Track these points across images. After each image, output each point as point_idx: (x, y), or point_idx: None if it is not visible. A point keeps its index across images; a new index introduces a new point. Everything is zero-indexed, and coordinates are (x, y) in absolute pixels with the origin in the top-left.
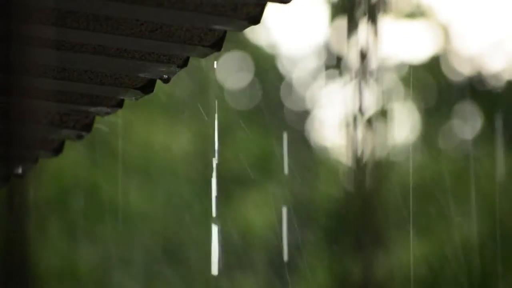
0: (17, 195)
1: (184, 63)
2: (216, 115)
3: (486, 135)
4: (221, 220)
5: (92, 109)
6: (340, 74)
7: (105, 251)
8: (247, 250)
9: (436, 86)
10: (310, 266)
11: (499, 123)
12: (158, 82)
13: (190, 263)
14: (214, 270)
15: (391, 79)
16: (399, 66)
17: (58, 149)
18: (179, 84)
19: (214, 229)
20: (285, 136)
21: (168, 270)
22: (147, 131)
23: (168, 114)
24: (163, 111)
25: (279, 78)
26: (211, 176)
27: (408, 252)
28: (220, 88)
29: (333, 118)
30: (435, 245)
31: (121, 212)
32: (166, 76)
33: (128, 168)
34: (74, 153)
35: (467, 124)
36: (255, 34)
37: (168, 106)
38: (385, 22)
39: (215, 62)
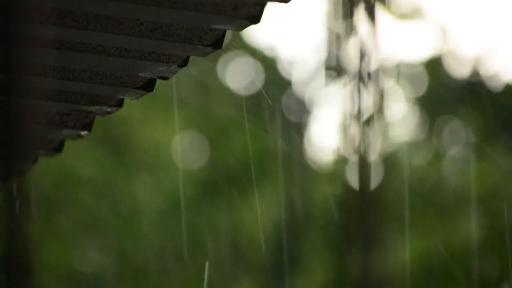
0: (18, 194)
1: (184, 63)
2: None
3: (484, 136)
4: (218, 220)
5: (92, 108)
6: (339, 74)
7: None
8: (245, 251)
9: (434, 87)
10: (309, 266)
11: (497, 124)
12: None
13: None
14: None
15: (390, 80)
16: (398, 67)
17: (58, 149)
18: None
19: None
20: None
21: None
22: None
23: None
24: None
25: (279, 78)
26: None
27: (406, 249)
28: (220, 87)
29: (332, 119)
30: (433, 243)
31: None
32: (166, 75)
33: (132, 164)
34: None
35: (465, 124)
36: (254, 34)
37: (168, 103)
38: (384, 22)
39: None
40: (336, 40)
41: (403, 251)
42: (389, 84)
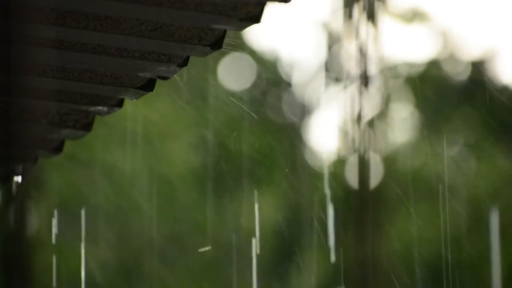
0: (18, 194)
1: (184, 63)
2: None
3: (484, 137)
4: (220, 218)
5: (92, 108)
6: (340, 76)
7: None
8: (246, 248)
9: (435, 89)
10: (308, 266)
11: (497, 127)
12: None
13: None
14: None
15: (391, 82)
16: (399, 69)
17: (58, 149)
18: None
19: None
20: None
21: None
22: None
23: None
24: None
25: (279, 80)
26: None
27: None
28: (221, 89)
29: (333, 120)
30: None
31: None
32: (166, 75)
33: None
34: None
35: (465, 125)
36: (255, 35)
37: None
38: (385, 24)
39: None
40: (336, 42)
41: (400, 250)
42: (389, 86)
